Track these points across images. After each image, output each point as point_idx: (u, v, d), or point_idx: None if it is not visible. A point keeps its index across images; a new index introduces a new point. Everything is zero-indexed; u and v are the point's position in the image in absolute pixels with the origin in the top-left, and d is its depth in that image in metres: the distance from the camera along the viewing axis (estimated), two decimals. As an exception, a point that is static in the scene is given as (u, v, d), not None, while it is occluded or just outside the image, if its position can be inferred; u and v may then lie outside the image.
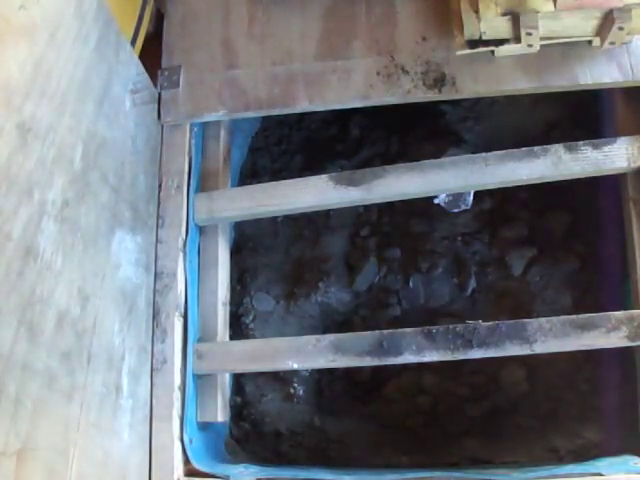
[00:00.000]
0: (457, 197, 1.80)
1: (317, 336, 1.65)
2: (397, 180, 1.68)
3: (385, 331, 1.60)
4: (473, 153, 1.68)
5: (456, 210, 1.85)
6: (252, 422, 1.93)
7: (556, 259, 1.90)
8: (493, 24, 1.58)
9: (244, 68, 1.81)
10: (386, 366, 1.66)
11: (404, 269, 2.01)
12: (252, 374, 1.93)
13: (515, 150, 1.63)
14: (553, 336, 1.51)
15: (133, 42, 1.73)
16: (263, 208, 1.75)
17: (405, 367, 1.87)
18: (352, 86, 1.73)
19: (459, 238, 2.00)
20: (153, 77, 1.79)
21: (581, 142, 1.61)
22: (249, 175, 2.18)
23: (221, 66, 1.82)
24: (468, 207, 1.83)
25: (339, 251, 2.07)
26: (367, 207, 2.06)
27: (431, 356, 1.56)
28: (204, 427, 1.71)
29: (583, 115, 1.90)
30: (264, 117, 2.14)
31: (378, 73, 1.73)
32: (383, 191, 1.68)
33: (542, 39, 1.59)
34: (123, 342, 1.50)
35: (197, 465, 1.58)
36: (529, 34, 1.56)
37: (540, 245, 1.93)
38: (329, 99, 1.75)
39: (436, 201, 1.81)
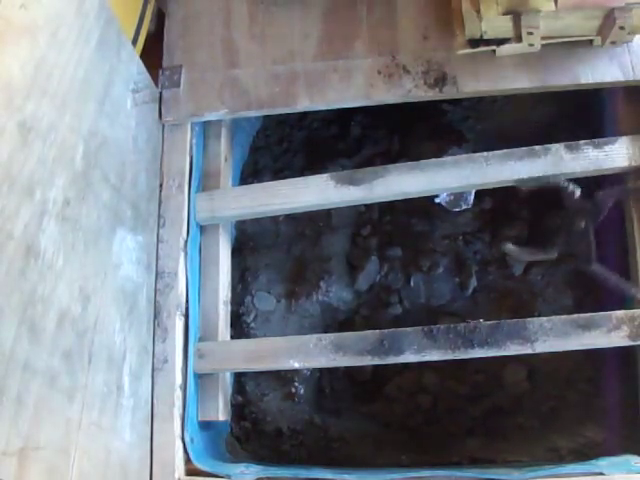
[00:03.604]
0: (458, 196, 1.80)
1: (318, 335, 1.65)
2: (398, 179, 1.68)
3: (386, 330, 1.60)
4: (474, 152, 1.68)
5: (457, 209, 1.84)
6: (253, 421, 1.93)
7: (557, 259, 1.89)
8: (494, 23, 1.59)
9: (245, 67, 1.81)
10: (387, 365, 1.66)
11: (405, 268, 2.01)
12: (253, 373, 1.93)
13: (516, 149, 1.63)
14: (554, 335, 1.51)
15: (134, 41, 1.73)
16: (264, 207, 1.75)
17: (406, 366, 1.87)
18: (353, 85, 1.73)
19: (460, 237, 2.00)
20: (154, 76, 1.79)
21: (582, 141, 1.61)
22: (250, 174, 2.18)
23: (222, 65, 1.83)
24: (469, 206, 1.83)
25: (340, 250, 2.07)
26: (368, 206, 2.06)
27: (432, 355, 1.56)
28: (205, 426, 1.71)
29: (584, 114, 1.90)
30: (265, 116, 2.14)
31: (379, 72, 1.73)
32: (384, 190, 1.68)
33: (543, 38, 1.59)
34: (124, 341, 1.50)
35: (198, 464, 1.59)
36: (530, 33, 1.56)
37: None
38: (330, 98, 1.75)
39: (437, 200, 1.81)
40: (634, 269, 1.62)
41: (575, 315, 1.52)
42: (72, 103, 1.33)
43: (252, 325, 2.00)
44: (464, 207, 1.83)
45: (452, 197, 1.81)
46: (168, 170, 1.78)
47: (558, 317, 1.53)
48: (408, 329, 1.59)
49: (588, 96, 1.77)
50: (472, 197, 1.81)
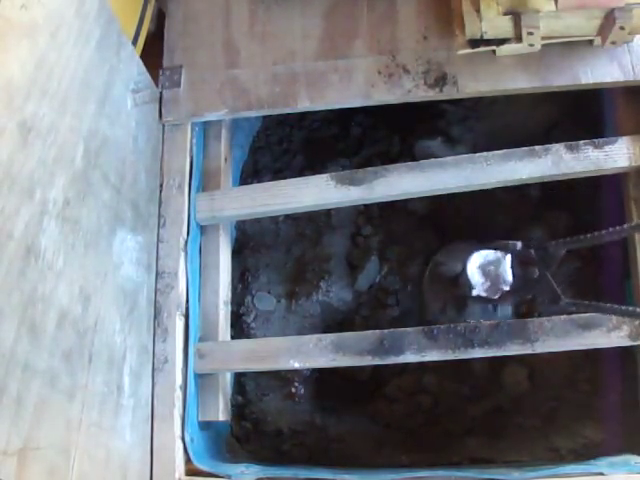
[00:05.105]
0: (494, 279, 1.63)
1: (318, 335, 1.66)
2: (398, 179, 1.68)
3: (386, 330, 1.60)
4: (474, 152, 1.68)
5: (499, 294, 1.64)
6: (253, 421, 1.93)
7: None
8: (494, 23, 1.59)
9: (245, 67, 1.81)
10: (387, 365, 1.66)
11: (406, 268, 2.01)
12: (253, 373, 1.93)
13: (516, 149, 1.63)
14: (554, 335, 1.51)
15: (134, 42, 1.73)
16: (264, 207, 1.75)
17: (406, 366, 1.87)
18: (353, 85, 1.74)
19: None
20: (154, 77, 1.79)
21: (582, 141, 1.61)
22: (250, 174, 2.18)
23: (222, 65, 1.83)
24: (510, 285, 1.63)
25: (340, 250, 2.07)
26: (368, 206, 2.06)
27: (432, 355, 1.56)
28: (205, 426, 1.71)
29: (584, 114, 1.90)
30: (265, 116, 2.14)
31: (379, 72, 1.73)
32: (384, 190, 1.68)
33: (543, 38, 1.59)
34: (124, 341, 1.50)
35: (198, 464, 1.59)
36: (530, 33, 1.56)
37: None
38: (330, 99, 1.75)
39: (475, 293, 1.65)
40: (634, 268, 1.62)
41: (575, 315, 1.52)
42: (72, 103, 1.33)
43: (252, 325, 2.00)
44: (506, 289, 1.63)
45: (488, 282, 1.63)
46: (168, 170, 1.78)
47: (558, 317, 1.53)
48: (408, 329, 1.59)
49: (588, 96, 1.77)
50: (509, 275, 1.62)
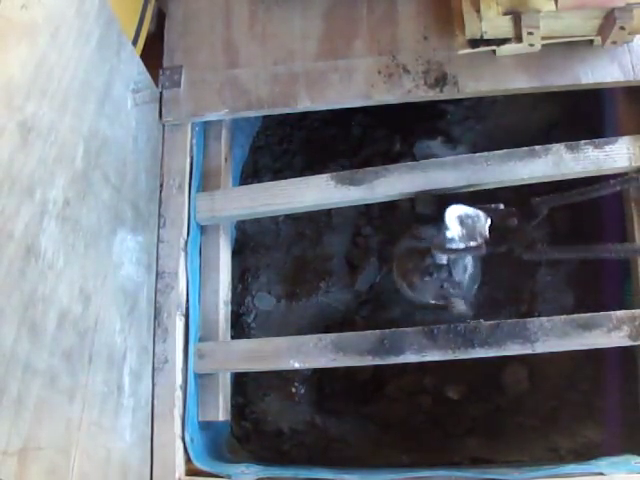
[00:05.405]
0: (471, 230, 1.56)
1: (318, 335, 1.65)
2: (398, 179, 1.68)
3: (386, 330, 1.60)
4: (474, 152, 1.68)
5: (474, 242, 1.57)
6: (253, 421, 1.93)
7: (557, 258, 1.89)
8: (494, 23, 1.59)
9: (245, 67, 1.81)
10: (387, 365, 1.66)
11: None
12: (253, 373, 1.93)
13: (516, 149, 1.63)
14: (554, 335, 1.51)
15: (134, 42, 1.73)
16: (264, 207, 1.75)
17: (407, 366, 1.87)
18: (353, 86, 1.74)
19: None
20: (154, 76, 1.79)
21: (582, 141, 1.61)
22: (250, 174, 2.18)
23: (222, 65, 1.83)
24: (487, 236, 1.57)
25: (341, 250, 2.07)
26: (369, 206, 2.06)
27: (432, 355, 1.56)
28: (205, 426, 1.71)
29: (584, 115, 1.90)
30: (265, 116, 2.14)
31: (379, 72, 1.73)
32: (384, 190, 1.69)
33: (543, 38, 1.60)
34: (124, 341, 1.50)
35: (198, 464, 1.59)
36: (530, 33, 1.56)
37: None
38: (330, 99, 1.75)
39: (449, 235, 1.58)
40: (634, 268, 1.62)
41: (575, 315, 1.52)
42: (72, 103, 1.33)
43: (252, 325, 2.00)
44: (481, 240, 1.57)
45: (464, 232, 1.56)
46: (168, 170, 1.78)
47: (558, 317, 1.53)
48: (408, 329, 1.59)
49: (588, 96, 1.77)
50: (486, 229, 1.56)
